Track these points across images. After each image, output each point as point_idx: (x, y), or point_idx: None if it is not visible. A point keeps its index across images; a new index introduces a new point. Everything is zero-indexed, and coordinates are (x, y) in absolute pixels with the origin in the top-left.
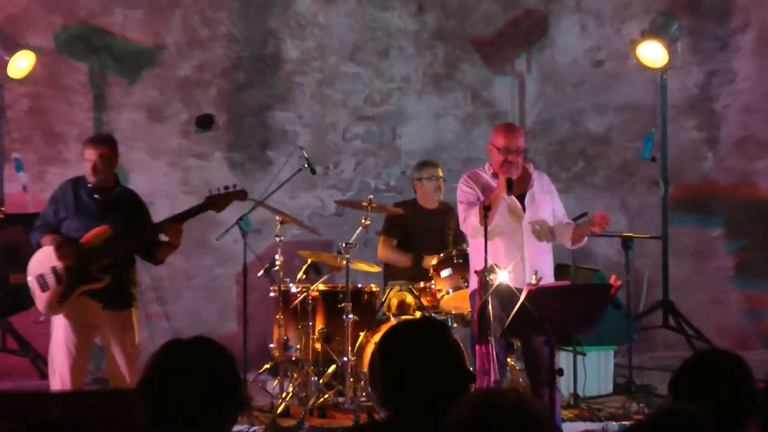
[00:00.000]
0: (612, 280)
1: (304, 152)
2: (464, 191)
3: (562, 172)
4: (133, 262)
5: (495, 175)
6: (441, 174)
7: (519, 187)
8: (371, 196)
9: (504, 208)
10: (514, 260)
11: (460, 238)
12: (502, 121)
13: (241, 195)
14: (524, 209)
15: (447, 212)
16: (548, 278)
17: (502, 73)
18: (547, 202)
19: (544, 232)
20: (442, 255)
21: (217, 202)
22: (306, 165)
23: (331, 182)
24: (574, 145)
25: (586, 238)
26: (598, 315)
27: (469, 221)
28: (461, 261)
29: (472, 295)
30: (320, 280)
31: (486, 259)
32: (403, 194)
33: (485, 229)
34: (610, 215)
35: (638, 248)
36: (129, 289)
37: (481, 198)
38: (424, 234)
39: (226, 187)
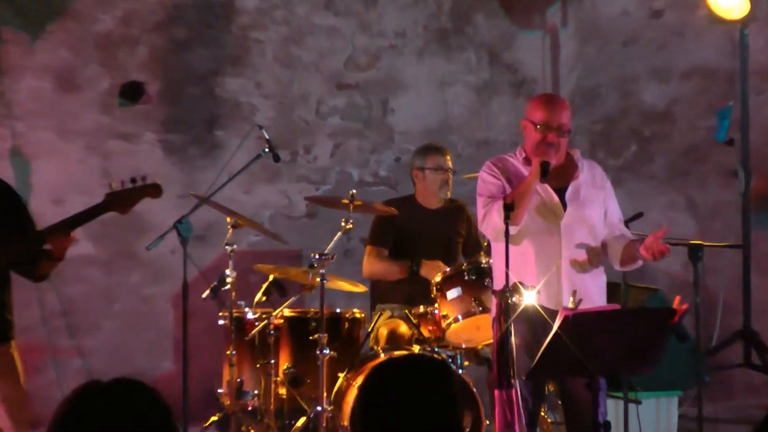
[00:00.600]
0: (676, 302)
1: (265, 132)
2: (487, 181)
3: (608, 159)
4: (6, 281)
5: (528, 162)
6: (450, 163)
7: (560, 179)
8: (354, 192)
9: (536, 205)
10: (547, 275)
11: (474, 246)
12: (528, 90)
13: (153, 191)
14: (564, 206)
15: (456, 213)
16: (595, 300)
17: (529, 27)
18: (597, 200)
19: (592, 251)
20: (449, 270)
21: (119, 200)
22: (267, 149)
23: (301, 172)
24: (624, 124)
25: (640, 262)
26: (658, 350)
27: (490, 219)
28: (474, 277)
29: (492, 323)
30: (286, 304)
31: (507, 275)
32: (396, 189)
33: (506, 233)
34: (673, 217)
35: (711, 260)
36: (4, 316)
37: (509, 191)
38: (425, 241)
39: (133, 180)
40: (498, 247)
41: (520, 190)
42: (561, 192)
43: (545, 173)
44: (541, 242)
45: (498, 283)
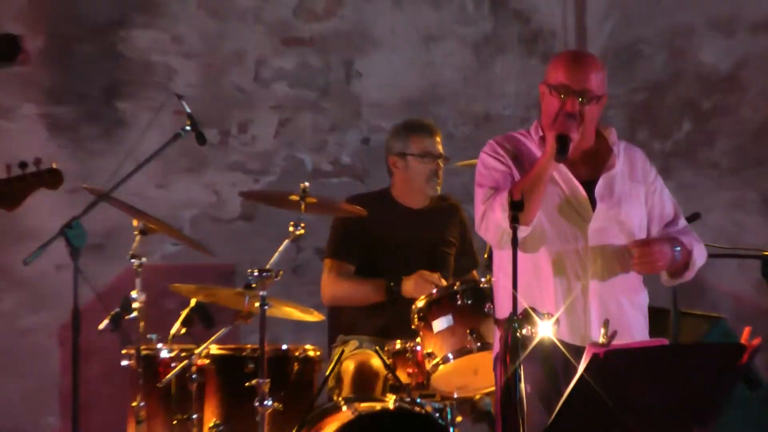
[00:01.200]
0: (745, 336)
1: (185, 104)
2: (489, 166)
3: (652, 142)
4: None
5: (544, 142)
6: (441, 148)
7: (588, 168)
8: (307, 185)
9: (556, 202)
10: (570, 297)
11: (470, 260)
12: (545, 48)
13: (50, 179)
14: (593, 204)
15: (447, 214)
16: (635, 333)
17: None
18: (636, 197)
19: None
20: (435, 292)
21: (4, 192)
22: (188, 128)
23: (235, 158)
24: (674, 93)
25: (689, 273)
26: (721, 400)
27: (491, 218)
28: (470, 301)
29: (495, 364)
30: (213, 338)
31: (515, 298)
32: (365, 181)
33: (514, 240)
34: (741, 219)
35: None
36: None
37: (517, 178)
38: (404, 253)
39: (23, 165)
40: (502, 260)
41: (531, 176)
42: (590, 186)
43: (563, 151)
44: (562, 253)
45: (502, 310)
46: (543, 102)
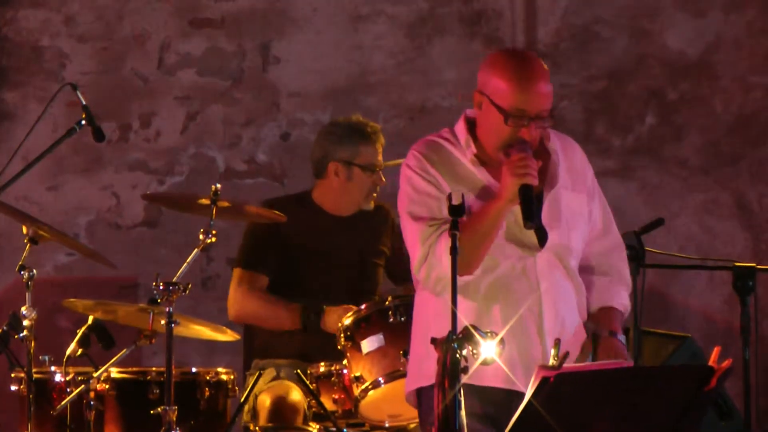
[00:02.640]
0: (714, 357)
1: (80, 95)
2: (419, 189)
3: (613, 136)
4: None
5: (480, 160)
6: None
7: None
8: (218, 185)
9: (499, 237)
10: (520, 326)
11: (402, 271)
12: (489, 29)
13: None
14: (543, 233)
15: (376, 221)
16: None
17: None
18: (581, 213)
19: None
20: (364, 307)
21: None
22: (83, 122)
23: (136, 156)
24: (637, 82)
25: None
26: (688, 430)
27: (434, 265)
28: (403, 319)
29: (414, 397)
30: (113, 360)
31: (455, 314)
32: (283, 182)
33: (453, 250)
34: (713, 225)
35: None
36: None
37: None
38: (327, 266)
39: None
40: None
41: (483, 223)
42: (533, 203)
43: (531, 215)
44: (510, 288)
45: (439, 328)
46: (483, 114)
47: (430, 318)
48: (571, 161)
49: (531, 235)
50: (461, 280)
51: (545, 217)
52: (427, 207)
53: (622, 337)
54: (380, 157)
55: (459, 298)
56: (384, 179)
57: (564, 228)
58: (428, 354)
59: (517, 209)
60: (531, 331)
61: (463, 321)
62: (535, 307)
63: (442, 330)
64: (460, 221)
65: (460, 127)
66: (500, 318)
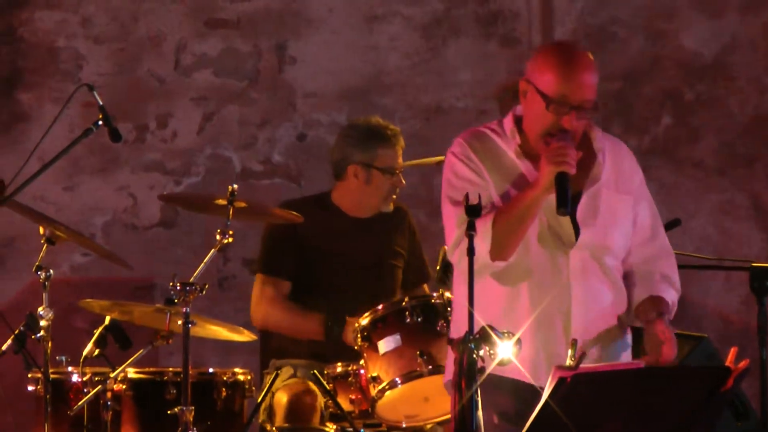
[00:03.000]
0: (731, 357)
1: (97, 96)
2: (460, 175)
3: (628, 137)
4: None
5: (525, 152)
6: (401, 159)
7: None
8: (235, 187)
9: (535, 225)
10: (547, 325)
11: (419, 273)
12: (505, 30)
13: None
14: (577, 229)
15: (394, 222)
16: (618, 355)
17: None
18: (624, 213)
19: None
20: (380, 307)
21: None
22: (99, 122)
23: (153, 157)
24: (653, 82)
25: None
26: (704, 430)
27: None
28: (420, 319)
29: (448, 388)
30: (130, 361)
31: (471, 314)
32: (300, 183)
33: (470, 249)
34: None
35: None
36: None
37: (494, 197)
38: (345, 268)
39: None
40: (464, 274)
41: (518, 208)
42: (572, 201)
43: (565, 201)
44: (541, 283)
45: (458, 328)
46: (528, 103)
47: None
48: (619, 163)
49: (567, 231)
50: (496, 265)
51: (581, 213)
52: (467, 193)
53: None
54: (400, 160)
55: (493, 284)
56: (403, 181)
57: (600, 226)
58: None
59: (554, 203)
60: (557, 328)
61: (495, 311)
62: (564, 304)
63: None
64: (497, 207)
65: (508, 120)
66: (527, 311)
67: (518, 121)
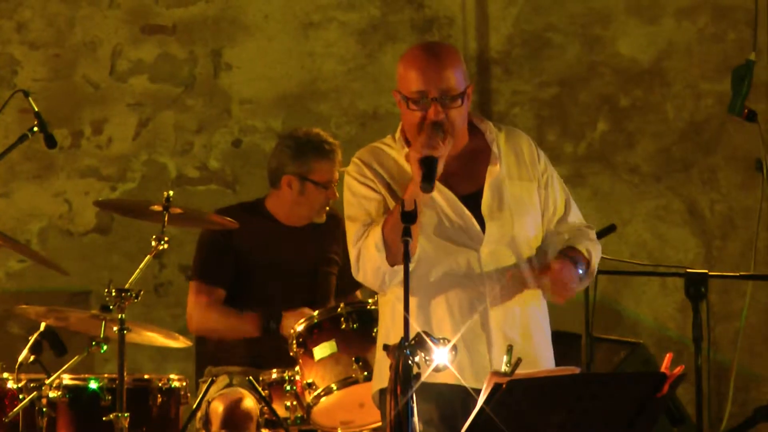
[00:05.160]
0: (666, 363)
1: (32, 102)
2: (356, 193)
3: (565, 143)
4: None
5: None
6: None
7: (467, 177)
8: (171, 193)
9: (439, 224)
10: (465, 323)
11: (355, 281)
12: (441, 35)
13: None
14: (481, 221)
15: (328, 229)
16: (545, 363)
17: None
18: (529, 200)
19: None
20: (316, 314)
21: None
22: (34, 128)
23: (88, 163)
24: (589, 89)
25: (587, 281)
26: None
27: (366, 259)
28: (356, 326)
29: (378, 397)
30: (65, 367)
31: (407, 321)
32: (235, 188)
33: (405, 256)
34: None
35: (721, 299)
36: None
37: (390, 201)
38: (281, 273)
39: None
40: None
41: (395, 215)
42: (475, 199)
43: (430, 178)
44: (454, 284)
45: (397, 332)
46: (402, 111)
47: (388, 321)
48: (518, 151)
49: (474, 228)
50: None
51: (486, 208)
52: (363, 209)
53: (581, 267)
54: (336, 174)
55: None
56: (337, 194)
57: (507, 217)
58: (386, 357)
59: (456, 203)
60: (475, 325)
61: (416, 327)
62: (481, 301)
63: (399, 333)
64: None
65: (398, 131)
66: (447, 314)
67: (405, 136)
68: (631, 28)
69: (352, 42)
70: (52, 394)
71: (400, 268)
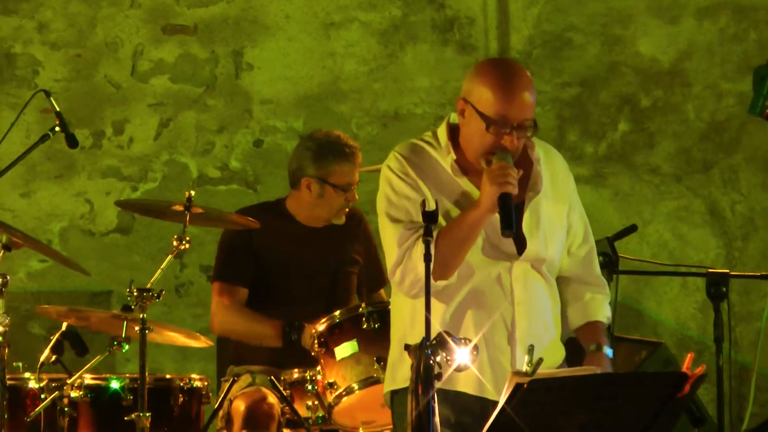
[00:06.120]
0: (687, 363)
1: (53, 102)
2: (398, 192)
3: (585, 143)
4: None
5: (461, 169)
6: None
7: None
8: (192, 192)
9: (478, 239)
10: (494, 345)
11: (376, 279)
12: (462, 35)
13: None
14: (523, 242)
15: (350, 229)
16: (557, 363)
17: None
18: (560, 223)
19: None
20: (337, 314)
21: None
22: (56, 128)
23: (110, 163)
24: (609, 88)
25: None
26: None
27: (409, 268)
28: (377, 326)
29: (390, 399)
30: (87, 367)
31: (428, 321)
32: (256, 189)
33: (426, 256)
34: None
35: (743, 299)
36: None
37: (429, 200)
38: (302, 274)
39: None
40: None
41: (461, 230)
42: (515, 214)
43: (509, 221)
44: (484, 295)
45: (415, 333)
46: (466, 121)
47: (406, 322)
48: (554, 170)
49: (508, 244)
50: (437, 284)
51: (526, 226)
52: (406, 210)
53: (609, 350)
54: (356, 176)
55: (433, 302)
56: (357, 197)
57: (542, 238)
58: (401, 358)
59: (495, 217)
60: (501, 339)
61: (438, 327)
62: (508, 315)
63: (418, 335)
64: (439, 227)
65: (442, 131)
66: (472, 325)
67: (453, 133)
68: (652, 28)
69: (373, 42)
70: (73, 394)
71: (441, 282)
